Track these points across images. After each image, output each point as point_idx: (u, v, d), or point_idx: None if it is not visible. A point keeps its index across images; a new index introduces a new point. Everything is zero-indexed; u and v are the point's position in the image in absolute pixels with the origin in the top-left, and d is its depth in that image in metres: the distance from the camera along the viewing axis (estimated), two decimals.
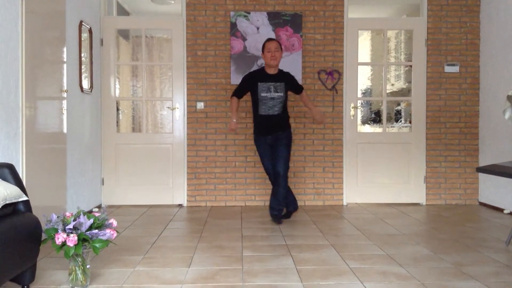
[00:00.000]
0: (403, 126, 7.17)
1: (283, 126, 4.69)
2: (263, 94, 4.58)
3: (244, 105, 5.70)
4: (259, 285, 2.87)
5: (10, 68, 3.49)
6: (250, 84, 4.66)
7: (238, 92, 4.72)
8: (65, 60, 4.46)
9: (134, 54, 6.88)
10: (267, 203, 5.73)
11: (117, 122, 5.94)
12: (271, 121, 4.63)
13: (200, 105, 5.69)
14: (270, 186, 5.70)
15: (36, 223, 2.73)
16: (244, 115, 5.69)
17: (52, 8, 4.26)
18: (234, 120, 4.58)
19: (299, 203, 5.72)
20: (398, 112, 7.50)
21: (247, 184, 5.73)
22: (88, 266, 2.80)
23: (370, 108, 7.88)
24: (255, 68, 5.66)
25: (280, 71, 4.74)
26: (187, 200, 5.72)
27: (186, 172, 5.72)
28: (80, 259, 2.74)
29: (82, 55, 4.98)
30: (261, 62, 5.66)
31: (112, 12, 5.94)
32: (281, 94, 4.60)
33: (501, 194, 5.35)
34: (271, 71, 4.66)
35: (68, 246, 2.62)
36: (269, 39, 4.68)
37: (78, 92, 4.88)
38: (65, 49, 4.46)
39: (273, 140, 4.68)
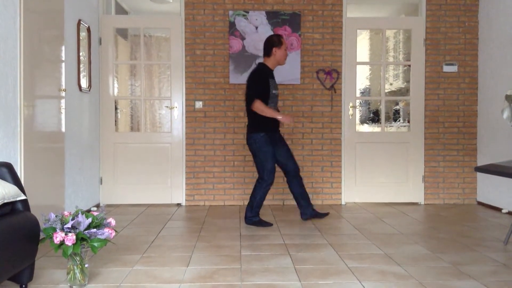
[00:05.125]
0: (401, 126, 7.18)
1: None
2: (273, 91, 4.52)
3: (243, 104, 5.69)
4: (257, 284, 2.87)
5: (8, 66, 3.48)
6: (267, 82, 4.49)
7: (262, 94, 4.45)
8: (63, 59, 4.46)
9: (132, 53, 6.88)
10: (266, 203, 5.72)
11: (115, 121, 5.93)
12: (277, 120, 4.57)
13: (199, 104, 5.69)
14: None
15: (35, 222, 2.72)
16: (243, 114, 5.69)
17: (50, 6, 4.25)
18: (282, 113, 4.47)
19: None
20: (397, 112, 7.50)
21: (245, 184, 5.73)
22: (86, 265, 2.80)
23: (369, 108, 7.89)
24: (253, 67, 5.65)
25: None
26: (186, 200, 5.72)
27: (185, 171, 5.72)
28: (78, 258, 2.74)
29: (81, 54, 4.97)
30: (259, 61, 5.65)
31: (111, 11, 5.93)
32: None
33: (499, 193, 5.36)
34: (272, 67, 4.62)
35: (67, 245, 2.62)
36: (282, 36, 4.63)
37: (77, 91, 4.88)
38: (63, 48, 4.46)
39: (278, 137, 4.64)
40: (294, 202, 5.72)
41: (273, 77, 4.57)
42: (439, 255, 3.53)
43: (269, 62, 4.59)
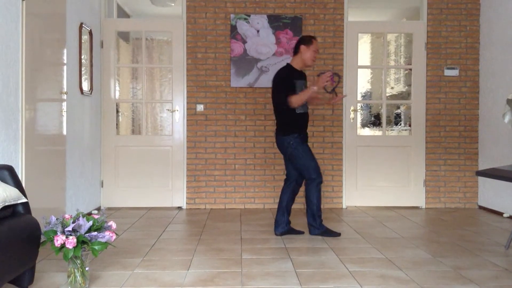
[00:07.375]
0: (402, 129, 7.18)
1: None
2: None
3: (244, 108, 5.70)
4: None
5: (10, 69, 3.49)
6: (290, 81, 4.23)
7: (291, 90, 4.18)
8: (65, 62, 4.47)
9: (134, 56, 6.89)
10: (267, 206, 5.72)
11: (116, 124, 5.94)
12: (307, 119, 4.36)
13: (200, 108, 5.69)
14: (270, 189, 5.72)
15: (35, 225, 2.73)
16: (244, 118, 5.69)
17: (52, 10, 4.26)
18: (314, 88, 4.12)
19: (299, 206, 5.70)
20: (398, 115, 7.50)
21: (246, 187, 5.73)
22: (87, 269, 2.80)
23: (370, 111, 7.89)
24: (255, 71, 5.67)
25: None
26: (187, 203, 5.72)
27: (186, 175, 5.72)
28: (79, 262, 2.74)
29: (82, 57, 4.98)
30: (261, 64, 5.67)
31: (113, 14, 5.95)
32: None
33: (500, 197, 5.35)
34: (298, 67, 4.33)
35: (67, 248, 2.62)
36: (315, 37, 4.37)
37: (78, 94, 4.89)
38: (65, 51, 4.47)
39: (307, 140, 4.39)
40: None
41: (299, 78, 4.27)
42: (440, 259, 3.52)
43: (295, 61, 4.30)
